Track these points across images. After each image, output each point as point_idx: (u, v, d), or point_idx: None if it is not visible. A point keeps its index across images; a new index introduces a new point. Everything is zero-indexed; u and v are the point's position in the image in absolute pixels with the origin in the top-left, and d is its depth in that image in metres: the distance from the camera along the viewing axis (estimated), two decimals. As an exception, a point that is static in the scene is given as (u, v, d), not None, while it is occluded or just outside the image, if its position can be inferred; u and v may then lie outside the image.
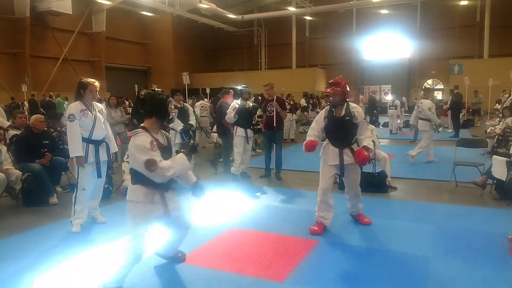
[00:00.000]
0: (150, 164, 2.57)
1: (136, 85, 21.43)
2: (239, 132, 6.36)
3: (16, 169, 5.01)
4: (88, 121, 4.02)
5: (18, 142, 5.31)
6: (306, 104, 14.95)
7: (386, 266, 3.21)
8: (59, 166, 5.39)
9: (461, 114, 13.41)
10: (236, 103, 6.39)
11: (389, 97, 16.60)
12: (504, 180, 4.33)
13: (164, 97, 2.86)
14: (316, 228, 3.94)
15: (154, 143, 2.67)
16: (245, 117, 6.36)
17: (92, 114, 4.06)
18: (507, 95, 14.02)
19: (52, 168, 5.22)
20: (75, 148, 3.95)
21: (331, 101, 3.90)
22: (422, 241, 3.73)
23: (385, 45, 26.23)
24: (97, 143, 4.11)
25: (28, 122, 5.74)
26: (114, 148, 4.39)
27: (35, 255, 3.48)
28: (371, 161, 5.80)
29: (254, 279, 2.99)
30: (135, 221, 2.75)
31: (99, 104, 4.32)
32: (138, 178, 2.73)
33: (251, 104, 6.60)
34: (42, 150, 5.23)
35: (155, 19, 26.72)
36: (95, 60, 24.88)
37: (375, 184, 5.52)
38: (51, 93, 18.25)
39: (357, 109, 3.96)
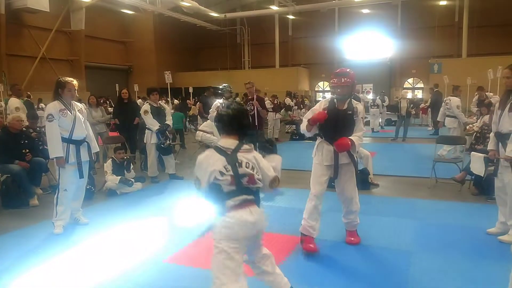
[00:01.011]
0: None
1: (117, 85, 21.03)
2: None
3: (-6, 170, 4.87)
4: (67, 121, 3.94)
5: (-5, 143, 5.14)
6: (290, 103, 15.04)
7: (369, 261, 3.28)
8: (39, 167, 5.26)
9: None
10: (218, 102, 6.38)
11: (370, 96, 16.88)
12: (482, 175, 4.47)
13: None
14: (311, 246, 3.42)
15: None
16: None
17: (71, 113, 3.98)
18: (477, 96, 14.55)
19: (32, 169, 5.10)
20: (54, 148, 3.88)
21: (339, 93, 3.41)
22: (404, 235, 3.82)
23: (366, 45, 26.62)
24: (78, 143, 4.04)
25: (5, 122, 5.57)
26: (95, 148, 4.33)
27: (16, 257, 3.40)
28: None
29: (240, 277, 3.00)
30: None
31: (78, 104, 4.24)
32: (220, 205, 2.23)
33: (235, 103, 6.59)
34: (23, 151, 5.10)
35: (136, 17, 26.30)
36: (74, 59, 24.30)
37: (357, 181, 5.59)
38: (29, 93, 17.74)
39: (359, 105, 3.54)
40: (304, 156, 7.87)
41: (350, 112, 3.41)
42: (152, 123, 6.08)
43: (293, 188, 5.56)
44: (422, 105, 15.88)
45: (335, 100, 3.48)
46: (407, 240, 3.71)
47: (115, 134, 7.38)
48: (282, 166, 2.49)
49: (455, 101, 7.71)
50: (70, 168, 3.99)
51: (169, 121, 6.31)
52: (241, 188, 2.19)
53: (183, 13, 25.25)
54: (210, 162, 2.19)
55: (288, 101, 15.40)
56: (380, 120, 14.40)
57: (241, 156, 2.23)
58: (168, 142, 6.21)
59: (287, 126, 13.36)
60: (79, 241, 3.76)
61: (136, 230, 4.09)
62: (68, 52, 24.26)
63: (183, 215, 4.67)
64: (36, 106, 16.35)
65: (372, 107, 13.68)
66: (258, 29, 29.00)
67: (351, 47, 27.28)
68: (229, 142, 2.26)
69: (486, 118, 6.81)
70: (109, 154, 6.76)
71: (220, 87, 6.74)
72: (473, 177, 5.22)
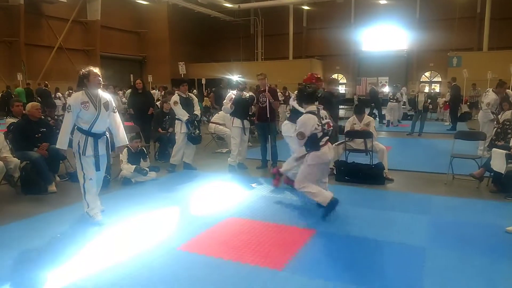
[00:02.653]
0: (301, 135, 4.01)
1: (131, 75, 21.25)
2: (235, 123, 6.35)
3: (14, 157, 4.99)
4: (89, 114, 3.82)
5: (15, 130, 5.27)
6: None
7: (382, 256, 3.25)
8: (56, 155, 5.36)
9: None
10: (232, 93, 6.37)
11: (386, 90, 16.54)
12: (503, 172, 4.36)
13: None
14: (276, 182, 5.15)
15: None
16: (241, 108, 6.35)
17: (95, 107, 3.84)
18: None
19: (50, 156, 5.20)
20: (60, 140, 3.88)
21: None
22: (419, 232, 3.77)
23: (383, 37, 26.11)
24: (97, 136, 3.93)
25: (24, 110, 5.69)
26: (123, 141, 4.17)
27: (36, 242, 3.48)
28: (369, 153, 5.83)
29: (253, 267, 3.02)
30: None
31: (105, 95, 4.03)
32: (315, 145, 4.04)
33: (248, 95, 6.58)
34: (36, 136, 5.19)
35: (151, 8, 26.37)
36: (90, 49, 24.61)
37: (372, 176, 5.55)
38: (46, 82, 18.07)
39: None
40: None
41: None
42: (182, 114, 6.14)
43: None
44: (441, 100, 15.49)
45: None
46: (422, 236, 3.66)
47: (130, 124, 7.46)
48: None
49: (488, 97, 7.36)
50: (90, 159, 3.92)
51: (197, 111, 6.37)
52: (324, 133, 4.06)
53: (197, 3, 25.23)
54: (311, 121, 3.98)
55: (299, 93, 15.23)
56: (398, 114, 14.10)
57: (321, 113, 4.11)
58: (197, 131, 6.30)
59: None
60: (95, 228, 3.83)
61: (150, 218, 4.15)
62: (84, 42, 24.58)
63: (196, 204, 4.72)
64: (53, 95, 16.69)
65: (391, 100, 13.35)
66: (272, 20, 28.72)
67: (367, 39, 26.82)
68: (313, 107, 4.12)
69: (508, 113, 6.62)
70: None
71: (235, 78, 6.72)
72: (492, 174, 5.10)
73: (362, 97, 21.22)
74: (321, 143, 4.02)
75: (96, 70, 3.91)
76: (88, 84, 3.84)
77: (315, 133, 3.97)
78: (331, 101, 5.74)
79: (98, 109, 3.86)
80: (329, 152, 4.13)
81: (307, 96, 4.17)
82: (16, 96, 16.12)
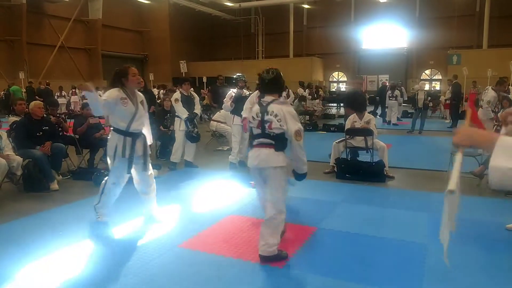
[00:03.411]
0: (301, 132, 2.94)
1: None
2: (236, 120, 6.37)
3: (17, 155, 5.02)
4: (127, 112, 3.56)
5: (18, 128, 5.31)
6: (303, 94, 14.87)
7: (384, 252, 3.27)
8: (59, 153, 5.40)
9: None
10: (232, 91, 6.40)
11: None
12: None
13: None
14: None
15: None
16: (241, 106, 6.36)
17: (133, 104, 3.61)
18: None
19: (53, 154, 5.24)
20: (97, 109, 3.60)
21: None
22: (420, 228, 3.79)
23: (383, 35, 26.09)
24: (135, 136, 3.65)
25: (27, 109, 5.72)
26: (149, 140, 3.98)
27: (36, 239, 3.51)
28: (369, 150, 5.85)
29: (254, 264, 3.04)
30: (282, 184, 3.08)
31: (140, 94, 3.84)
32: (283, 145, 3.01)
33: (248, 92, 6.60)
34: (38, 134, 5.22)
35: (152, 7, 26.40)
36: (92, 48, 24.64)
37: (373, 173, 5.57)
38: (47, 81, 18.11)
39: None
40: (317, 147, 7.86)
41: None
42: (182, 111, 6.17)
43: (307, 179, 5.53)
44: (442, 98, 15.46)
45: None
46: (422, 233, 3.67)
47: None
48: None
49: (488, 95, 7.31)
50: (125, 162, 3.63)
51: (197, 110, 6.39)
52: (264, 133, 2.97)
53: (198, 2, 25.24)
54: (248, 112, 3.41)
55: (300, 91, 15.26)
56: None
57: (273, 107, 2.95)
58: (196, 130, 6.32)
59: (300, 116, 13.27)
60: (97, 226, 3.85)
61: (152, 216, 4.17)
62: (86, 41, 24.61)
63: (198, 202, 4.74)
64: (58, 94, 16.74)
65: (390, 98, 13.35)
66: (272, 18, 28.72)
67: (367, 37, 26.81)
68: (268, 98, 3.04)
69: (510, 110, 6.62)
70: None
71: (234, 76, 6.73)
72: (492, 171, 5.11)
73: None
74: (254, 142, 3.04)
75: (134, 68, 3.70)
76: (126, 82, 3.61)
77: (250, 126, 3.11)
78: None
79: (136, 107, 3.65)
80: (253, 159, 3.01)
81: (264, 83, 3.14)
82: (12, 94, 16.21)
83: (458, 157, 1.28)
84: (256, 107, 3.04)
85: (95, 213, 3.80)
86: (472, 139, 1.20)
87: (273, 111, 2.91)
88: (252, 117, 3.01)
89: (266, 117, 2.92)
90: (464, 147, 1.25)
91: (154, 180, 3.99)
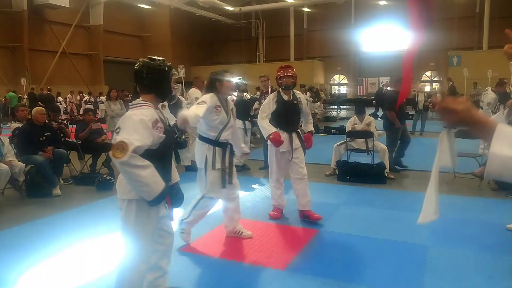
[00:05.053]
0: (121, 147, 1.91)
1: (134, 78, 21.35)
2: (237, 124, 6.37)
3: (19, 161, 5.06)
4: (219, 120, 3.32)
5: (20, 134, 5.34)
6: (306, 97, 14.90)
7: (385, 254, 3.27)
8: (61, 158, 5.44)
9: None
10: (233, 95, 6.42)
11: (388, 89, 16.49)
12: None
13: (166, 68, 2.33)
14: (275, 213, 4.19)
15: (159, 122, 2.12)
16: (243, 109, 6.39)
17: (226, 113, 3.37)
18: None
19: (55, 160, 5.27)
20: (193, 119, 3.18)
21: (285, 82, 3.97)
22: (421, 230, 3.78)
23: (383, 37, 26.13)
24: (224, 146, 3.42)
25: (29, 115, 5.77)
26: (245, 148, 3.80)
27: (39, 244, 3.53)
28: (370, 153, 5.86)
29: (256, 267, 3.05)
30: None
31: (231, 102, 3.62)
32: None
33: (248, 96, 6.64)
34: (41, 140, 5.26)
35: (153, 12, 26.54)
36: (93, 54, 24.76)
37: (373, 175, 5.58)
38: (49, 87, 18.23)
39: (301, 95, 4.16)
40: (319, 149, 7.85)
41: (295, 102, 4.00)
42: (169, 117, 6.15)
43: (309, 181, 5.54)
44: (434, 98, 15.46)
45: (280, 92, 4.00)
46: (424, 234, 3.68)
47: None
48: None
49: (488, 96, 7.37)
50: (219, 172, 3.36)
51: None
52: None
53: (198, 7, 25.34)
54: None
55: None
56: None
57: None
58: (183, 136, 6.29)
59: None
60: (99, 230, 3.87)
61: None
62: (87, 47, 24.73)
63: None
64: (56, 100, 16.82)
65: None
66: (273, 22, 28.83)
67: (367, 39, 26.85)
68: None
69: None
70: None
71: (236, 80, 6.74)
72: (493, 172, 5.11)
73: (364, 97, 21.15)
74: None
75: (229, 73, 3.51)
76: (221, 88, 3.38)
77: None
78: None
79: (229, 116, 3.40)
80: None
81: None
82: (7, 100, 16.33)
83: (447, 137, 1.17)
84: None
85: (180, 228, 3.49)
86: (470, 114, 1.05)
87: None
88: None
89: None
90: (454, 124, 1.11)
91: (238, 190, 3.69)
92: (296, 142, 4.00)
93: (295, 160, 4.00)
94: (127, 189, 2.14)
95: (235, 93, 6.50)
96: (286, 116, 3.95)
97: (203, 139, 3.39)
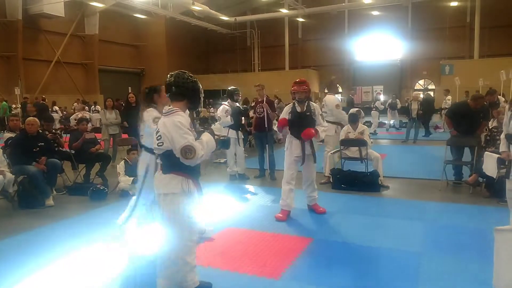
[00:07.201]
0: (189, 150, 2.35)
1: (129, 87, 21.40)
2: (230, 134, 6.35)
3: (11, 171, 5.01)
4: None
5: (13, 144, 5.31)
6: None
7: (379, 262, 3.29)
8: (54, 168, 5.40)
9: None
10: (225, 105, 6.41)
11: (381, 98, 16.74)
12: (495, 177, 4.41)
13: (196, 80, 2.68)
14: (281, 215, 4.43)
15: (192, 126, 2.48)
16: (236, 119, 6.41)
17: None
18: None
19: (48, 170, 5.23)
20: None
21: (298, 97, 4.45)
22: (414, 238, 3.81)
23: (377, 46, 26.47)
24: None
25: (22, 125, 5.74)
26: None
27: (32, 255, 3.50)
28: (364, 161, 5.90)
29: (251, 276, 3.05)
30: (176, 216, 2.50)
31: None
32: (171, 164, 2.46)
33: (242, 106, 6.66)
34: (34, 150, 5.23)
35: (148, 22, 26.69)
36: (88, 63, 24.78)
37: (367, 183, 5.61)
38: (43, 96, 18.16)
39: (316, 106, 4.60)
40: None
41: (308, 113, 4.46)
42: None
43: (299, 189, 5.56)
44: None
45: (295, 104, 4.50)
46: (417, 241, 3.70)
47: (126, 136, 7.52)
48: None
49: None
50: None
51: None
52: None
53: (194, 17, 25.55)
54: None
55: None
56: (392, 122, 14.50)
57: (161, 120, 2.53)
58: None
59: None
60: (94, 240, 3.85)
61: (149, 229, 4.16)
62: (82, 56, 24.75)
63: (195, 214, 4.73)
64: (50, 109, 16.73)
65: (373, 109, 13.62)
66: (268, 32, 29.12)
67: (361, 48, 27.18)
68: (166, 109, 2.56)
69: (501, 119, 6.70)
70: (121, 155, 6.88)
71: (229, 89, 6.70)
72: (484, 179, 5.17)
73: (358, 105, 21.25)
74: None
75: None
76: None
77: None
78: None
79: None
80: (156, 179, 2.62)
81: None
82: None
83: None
84: None
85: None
86: None
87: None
88: None
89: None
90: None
91: None
92: (308, 149, 4.42)
93: (306, 166, 4.49)
94: (172, 184, 2.48)
95: (225, 103, 6.48)
96: (299, 126, 4.38)
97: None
